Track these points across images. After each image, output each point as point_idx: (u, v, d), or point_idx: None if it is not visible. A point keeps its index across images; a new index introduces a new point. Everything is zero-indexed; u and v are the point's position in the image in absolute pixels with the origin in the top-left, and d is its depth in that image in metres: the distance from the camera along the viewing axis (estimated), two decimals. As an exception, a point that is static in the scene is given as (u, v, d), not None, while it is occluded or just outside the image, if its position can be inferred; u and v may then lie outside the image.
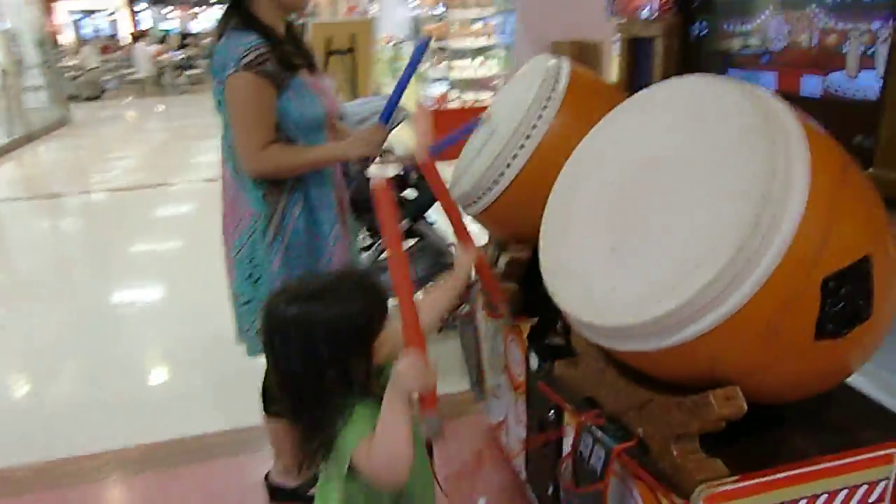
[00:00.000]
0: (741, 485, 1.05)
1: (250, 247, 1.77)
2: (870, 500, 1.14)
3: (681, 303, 0.94)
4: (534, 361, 1.69)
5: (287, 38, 1.74)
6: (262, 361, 1.88)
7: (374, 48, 7.11)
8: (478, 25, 6.64)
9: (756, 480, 1.06)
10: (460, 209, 1.70)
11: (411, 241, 3.05)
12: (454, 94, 6.79)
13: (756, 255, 0.90)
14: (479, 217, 1.84)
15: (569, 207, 1.23)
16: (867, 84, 1.33)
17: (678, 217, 1.00)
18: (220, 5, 1.78)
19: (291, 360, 1.05)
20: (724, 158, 0.97)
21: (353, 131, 1.77)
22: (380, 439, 1.00)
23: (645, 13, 1.87)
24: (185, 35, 20.41)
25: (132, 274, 4.36)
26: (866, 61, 1.34)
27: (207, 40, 10.71)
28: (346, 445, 1.02)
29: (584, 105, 1.62)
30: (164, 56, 15.71)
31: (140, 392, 2.91)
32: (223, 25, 1.69)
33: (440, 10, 6.66)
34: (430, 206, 2.93)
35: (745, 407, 1.02)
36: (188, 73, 15.81)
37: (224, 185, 1.84)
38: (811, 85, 1.46)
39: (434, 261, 3.06)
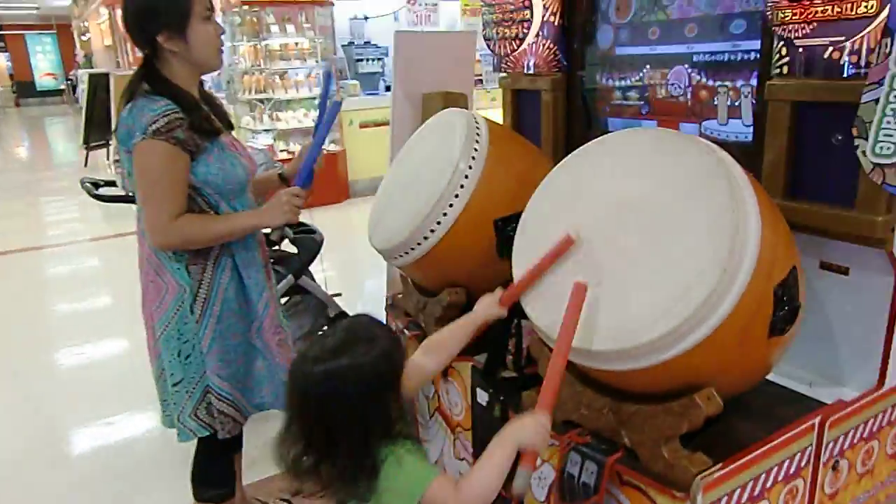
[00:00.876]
0: (725, 470, 1.24)
1: (177, 323, 1.68)
2: (802, 464, 1.40)
3: (679, 321, 1.11)
4: (482, 397, 1.78)
5: (202, 100, 1.69)
6: (190, 446, 1.79)
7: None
8: (300, 76, 6.68)
9: (736, 464, 1.25)
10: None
11: (296, 298, 3.00)
12: (280, 144, 6.73)
13: (734, 274, 1.11)
14: (407, 268, 1.91)
15: (545, 244, 1.35)
16: (736, 130, 1.66)
17: (659, 250, 1.19)
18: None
19: (334, 416, 1.08)
20: (691, 197, 1.18)
21: (277, 195, 1.74)
22: (482, 474, 1.09)
23: (530, 68, 2.10)
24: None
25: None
26: (733, 111, 1.67)
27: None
28: (410, 487, 1.08)
29: (506, 154, 1.79)
30: None
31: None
32: (131, 90, 1.60)
33: (260, 62, 6.60)
34: (312, 261, 2.93)
35: (722, 404, 1.23)
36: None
37: (141, 260, 1.72)
38: (689, 130, 1.77)
39: (317, 316, 3.05)
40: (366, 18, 8.69)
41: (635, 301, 1.18)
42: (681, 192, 1.20)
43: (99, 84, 8.47)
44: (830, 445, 1.44)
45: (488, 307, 1.47)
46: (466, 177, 1.71)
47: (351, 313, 3.14)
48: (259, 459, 2.29)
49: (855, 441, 1.50)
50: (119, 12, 13.84)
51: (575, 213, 1.34)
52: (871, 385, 1.51)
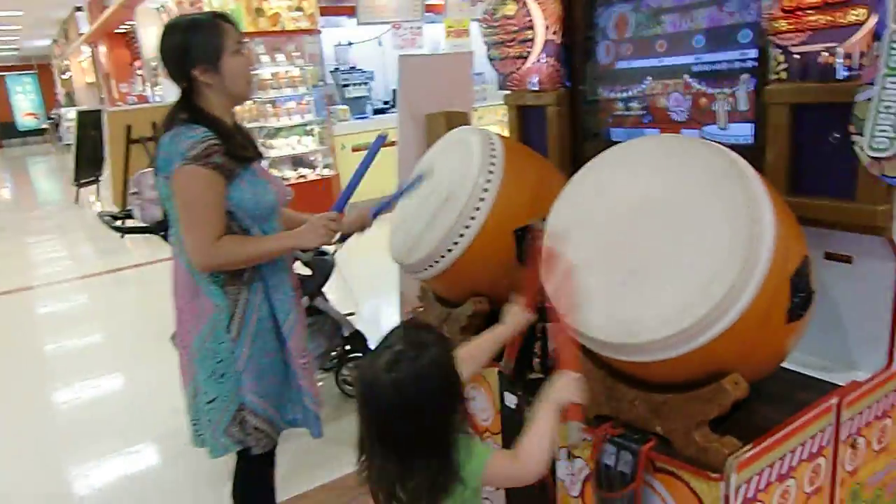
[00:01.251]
0: (755, 450, 1.32)
1: (213, 343, 1.74)
2: (823, 443, 1.49)
3: (706, 311, 1.20)
4: (510, 401, 1.86)
5: (235, 128, 1.78)
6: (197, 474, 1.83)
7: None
8: (291, 104, 6.79)
9: (763, 445, 1.34)
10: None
11: (311, 319, 3.06)
12: (274, 172, 6.81)
13: (753, 265, 1.20)
14: (431, 281, 1.99)
15: (569, 249, 1.44)
16: (736, 133, 1.77)
17: (681, 246, 1.28)
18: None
19: (416, 417, 1.13)
20: (708, 195, 1.28)
21: (310, 218, 1.83)
22: (535, 439, 1.19)
23: (533, 85, 2.21)
24: None
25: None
26: (732, 116, 1.77)
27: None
28: (471, 470, 1.16)
29: (521, 167, 1.89)
30: None
31: None
32: (171, 120, 1.69)
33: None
34: (325, 283, 3.00)
35: (748, 388, 1.31)
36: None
37: (177, 281, 1.79)
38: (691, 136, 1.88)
39: (332, 336, 3.11)
40: (350, 44, 8.86)
41: (662, 295, 1.27)
42: (697, 192, 1.30)
43: (88, 121, 8.55)
44: (848, 424, 1.53)
45: (517, 315, 1.54)
46: (486, 190, 1.80)
47: (364, 331, 3.23)
48: (289, 476, 2.34)
49: (871, 419, 1.59)
50: (102, 49, 13.89)
51: (597, 216, 1.43)
52: (881, 366, 1.61)
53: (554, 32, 2.10)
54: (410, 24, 7.71)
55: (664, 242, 1.31)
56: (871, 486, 1.68)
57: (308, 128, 6.86)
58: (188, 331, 1.77)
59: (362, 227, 1.92)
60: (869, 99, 1.32)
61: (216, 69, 1.67)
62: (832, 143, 1.49)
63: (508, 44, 2.20)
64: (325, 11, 7.05)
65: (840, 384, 1.56)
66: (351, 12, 7.23)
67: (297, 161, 6.97)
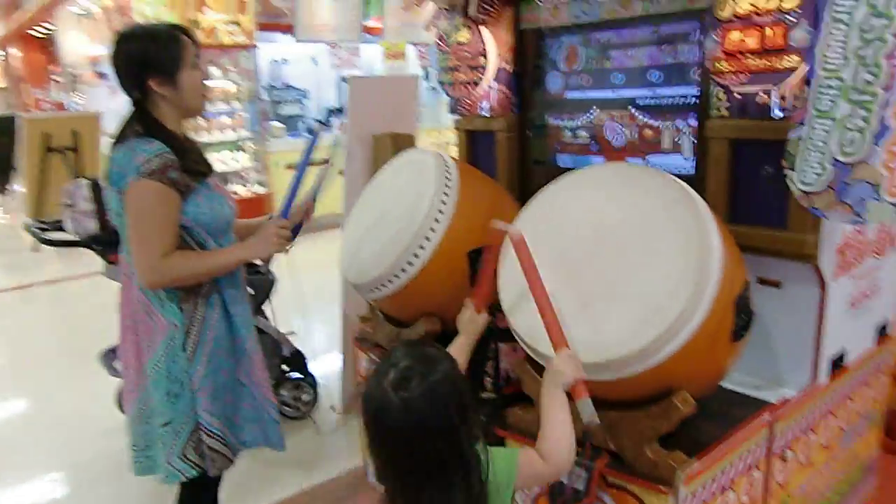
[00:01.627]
0: (700, 464, 1.40)
1: (167, 362, 1.69)
2: (758, 455, 1.59)
3: (660, 332, 1.27)
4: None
5: (188, 142, 1.74)
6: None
7: (99, 145, 6.63)
8: (224, 119, 6.65)
9: (708, 458, 1.42)
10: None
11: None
12: (204, 187, 6.62)
13: (703, 288, 1.28)
14: (381, 301, 1.99)
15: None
16: (677, 164, 1.88)
17: (636, 269, 1.35)
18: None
19: (435, 435, 1.07)
20: (661, 221, 1.35)
21: (261, 226, 1.80)
22: (554, 430, 1.19)
23: (484, 111, 2.27)
24: None
25: None
26: (675, 148, 1.89)
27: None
28: (506, 474, 1.16)
29: (475, 190, 1.93)
30: None
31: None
32: (124, 132, 1.63)
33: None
34: (265, 300, 2.94)
35: (696, 405, 1.39)
36: None
37: (128, 301, 1.72)
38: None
39: (271, 355, 3.04)
40: (284, 61, 8.78)
41: (618, 316, 1.33)
42: (652, 219, 1.38)
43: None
44: (779, 438, 1.64)
45: (471, 322, 1.54)
46: (441, 212, 1.82)
47: (304, 350, 3.18)
48: (230, 501, 2.26)
49: (798, 434, 1.71)
50: (14, 52, 13.11)
51: (553, 241, 1.48)
52: (806, 383, 1.73)
53: (506, 61, 2.17)
54: (348, 44, 7.72)
55: (620, 266, 1.37)
56: (798, 496, 1.79)
57: (241, 143, 6.72)
58: (141, 351, 1.71)
59: (308, 213, 1.91)
60: (800, 137, 1.44)
61: (173, 81, 1.64)
62: (766, 176, 1.61)
63: (461, 69, 2.26)
64: (261, 27, 6.96)
65: (771, 401, 1.67)
66: (288, 29, 7.16)
67: (229, 177, 6.81)
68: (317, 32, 7.14)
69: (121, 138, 1.63)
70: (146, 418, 1.74)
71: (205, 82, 1.73)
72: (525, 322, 1.48)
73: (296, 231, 1.97)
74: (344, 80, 9.56)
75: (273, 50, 8.36)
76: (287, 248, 1.80)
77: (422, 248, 1.81)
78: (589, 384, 1.41)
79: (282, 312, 3.17)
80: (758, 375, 1.77)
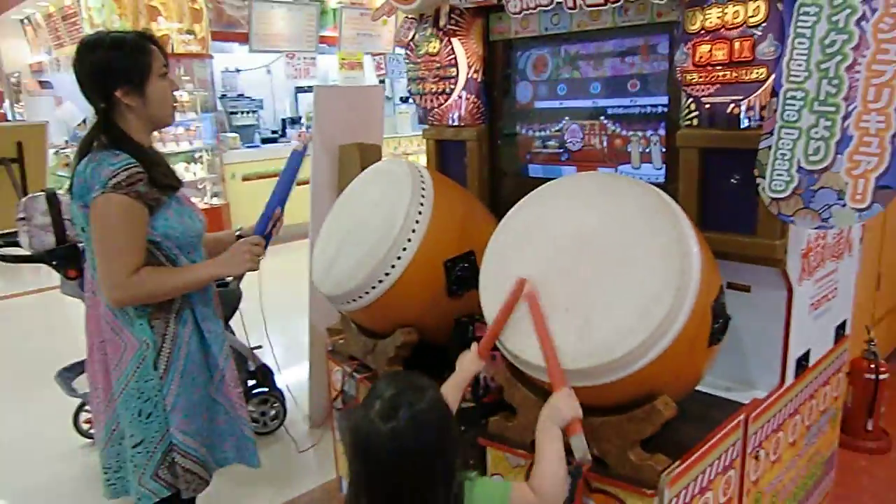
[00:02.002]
0: (683, 465, 1.42)
1: (138, 381, 1.63)
2: (734, 456, 1.63)
3: (645, 337, 1.29)
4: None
5: (155, 155, 1.69)
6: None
7: (46, 156, 6.39)
8: (179, 129, 6.49)
9: (690, 460, 1.44)
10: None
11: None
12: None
13: (684, 293, 1.31)
14: (356, 312, 1.96)
15: (508, 279, 1.49)
16: (647, 172, 1.92)
17: (618, 276, 1.36)
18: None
19: (420, 466, 1.08)
20: (640, 228, 1.38)
21: (237, 243, 1.76)
22: (551, 469, 1.20)
23: (453, 120, 2.28)
24: None
25: None
26: (645, 157, 1.93)
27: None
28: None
29: (449, 199, 1.93)
30: None
31: None
32: (88, 144, 1.57)
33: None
34: (231, 315, 2.87)
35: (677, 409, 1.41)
36: None
37: (95, 316, 1.66)
38: (605, 174, 2.01)
39: (238, 369, 2.97)
40: (238, 71, 8.64)
41: (603, 323, 1.35)
42: (631, 225, 1.40)
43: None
44: (752, 438, 1.68)
45: (471, 363, 1.54)
46: (417, 221, 1.82)
47: (270, 363, 3.12)
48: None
49: (769, 432, 1.76)
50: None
51: (535, 249, 1.49)
52: (775, 385, 1.78)
53: (475, 71, 2.18)
54: (304, 54, 7.65)
55: (602, 274, 1.39)
56: (768, 493, 1.84)
57: (197, 155, 6.57)
58: (111, 369, 1.65)
59: (276, 223, 1.88)
60: (769, 147, 1.49)
61: (140, 91, 1.59)
62: (735, 184, 1.66)
63: (431, 80, 2.26)
64: (216, 37, 6.84)
65: (744, 402, 1.72)
66: (243, 39, 7.06)
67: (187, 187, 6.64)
68: (272, 42, 7.07)
69: (85, 150, 1.58)
70: (118, 439, 1.68)
71: (174, 93, 1.68)
72: (511, 333, 1.48)
73: (265, 242, 1.96)
74: (299, 89, 9.53)
75: (225, 60, 8.22)
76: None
77: (398, 258, 1.80)
78: (578, 390, 1.43)
79: (248, 325, 3.11)
80: (728, 377, 1.82)
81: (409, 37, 2.26)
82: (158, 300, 1.64)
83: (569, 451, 1.33)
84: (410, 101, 9.15)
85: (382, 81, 8.71)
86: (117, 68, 1.56)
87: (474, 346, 1.56)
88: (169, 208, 1.63)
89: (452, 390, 1.48)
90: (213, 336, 1.74)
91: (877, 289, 3.26)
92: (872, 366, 2.77)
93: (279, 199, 1.85)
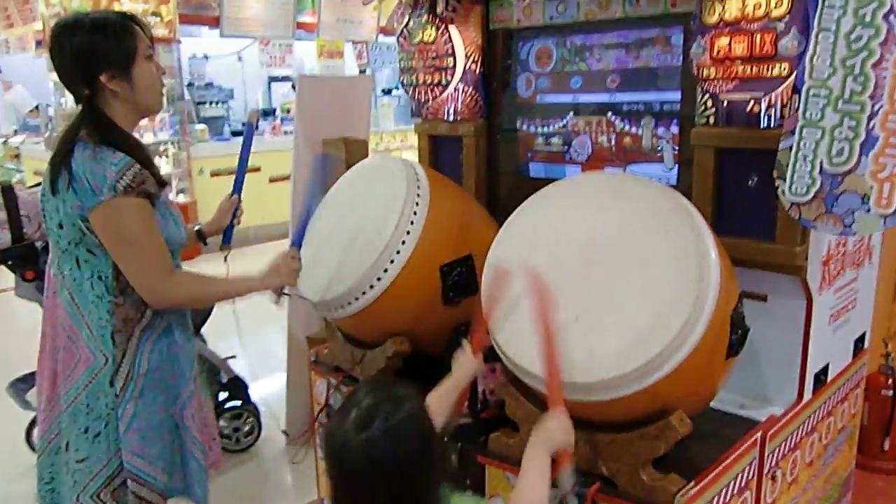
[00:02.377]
0: (698, 487, 1.44)
1: (88, 397, 1.63)
2: (750, 476, 1.64)
3: (661, 347, 1.30)
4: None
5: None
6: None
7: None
8: (143, 120, 6.41)
9: (704, 481, 1.46)
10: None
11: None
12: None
13: (703, 300, 1.32)
14: (344, 320, 1.96)
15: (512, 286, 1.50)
16: (658, 173, 1.94)
17: (631, 283, 1.38)
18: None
19: (396, 478, 1.09)
20: (656, 232, 1.39)
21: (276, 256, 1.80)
22: (531, 485, 1.18)
23: (449, 115, 2.29)
24: None
25: None
26: (656, 156, 1.95)
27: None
28: None
29: (446, 199, 1.93)
30: None
31: None
32: (73, 135, 1.56)
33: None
34: (203, 322, 2.85)
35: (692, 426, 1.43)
36: None
37: (51, 323, 1.65)
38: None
39: (209, 383, 2.95)
40: (206, 57, 8.59)
41: (615, 333, 1.36)
42: (645, 229, 1.42)
43: None
44: (769, 458, 1.70)
45: (465, 364, 1.53)
46: (412, 223, 1.82)
47: (244, 376, 3.10)
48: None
49: (786, 452, 1.78)
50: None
51: (541, 254, 1.51)
52: (792, 401, 1.81)
53: (474, 61, 2.19)
54: (280, 40, 7.62)
55: (615, 280, 1.41)
56: (785, 517, 1.86)
57: (161, 148, 6.51)
58: (57, 378, 1.65)
59: (236, 212, 2.00)
60: (790, 147, 1.52)
61: (127, 76, 1.58)
62: (753, 186, 1.68)
63: (425, 70, 2.27)
64: (184, 20, 6.79)
65: (759, 420, 1.74)
66: (213, 23, 7.01)
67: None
68: (246, 27, 7.03)
69: (69, 142, 1.56)
70: (54, 451, 1.70)
71: (161, 77, 1.68)
72: (510, 338, 1.49)
73: (228, 235, 2.00)
74: (273, 79, 9.50)
75: (194, 45, 8.17)
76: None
77: (391, 261, 1.80)
78: (579, 405, 1.44)
79: (221, 334, 3.09)
80: (742, 393, 1.84)
81: (403, 23, 2.26)
82: (196, 306, 1.76)
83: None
84: (393, 93, 9.36)
85: (363, 71, 8.71)
86: (101, 52, 1.56)
87: (466, 343, 1.55)
88: (157, 210, 1.63)
89: (447, 394, 1.47)
90: (182, 351, 1.73)
91: (894, 300, 3.32)
92: (890, 381, 2.81)
93: (237, 186, 1.88)
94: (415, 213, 1.83)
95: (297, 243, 1.84)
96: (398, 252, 1.80)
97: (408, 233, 1.81)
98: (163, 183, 1.66)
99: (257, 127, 2.08)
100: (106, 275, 1.60)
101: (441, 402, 1.44)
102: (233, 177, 2.02)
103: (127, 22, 1.60)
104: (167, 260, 1.63)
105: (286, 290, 1.82)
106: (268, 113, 8.82)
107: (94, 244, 1.57)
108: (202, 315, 2.83)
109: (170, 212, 1.69)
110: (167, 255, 1.63)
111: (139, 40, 1.60)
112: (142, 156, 1.60)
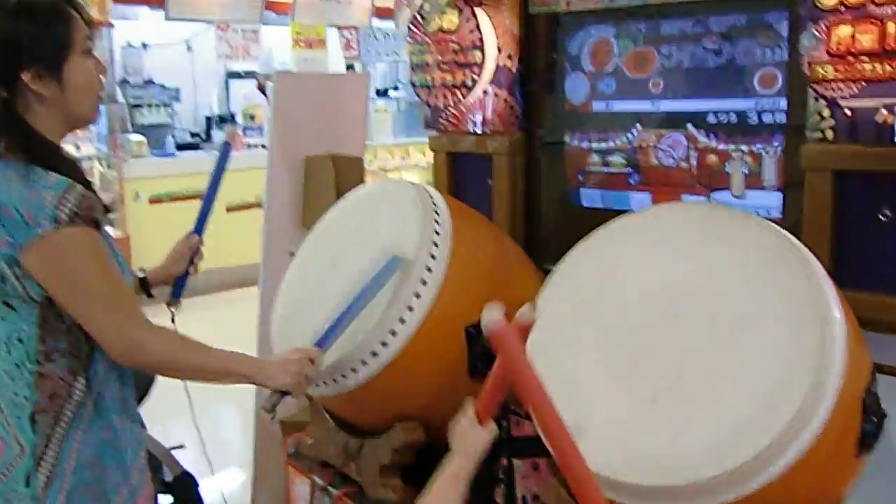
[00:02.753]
0: None
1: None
2: None
3: (768, 440, 1.30)
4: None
5: None
6: None
7: None
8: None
9: None
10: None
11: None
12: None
13: (824, 378, 1.33)
14: (334, 399, 1.96)
15: (567, 356, 1.51)
16: (755, 203, 1.96)
17: (726, 352, 1.39)
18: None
19: None
20: (762, 284, 1.40)
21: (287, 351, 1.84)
22: None
23: (475, 125, 2.32)
24: None
25: None
26: (752, 181, 1.97)
27: None
28: None
29: (473, 237, 1.96)
30: None
31: None
32: None
33: None
34: (143, 399, 2.86)
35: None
36: None
37: None
38: (694, 205, 2.06)
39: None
40: (144, 46, 8.75)
41: (706, 420, 1.36)
42: (744, 280, 1.43)
43: None
44: None
45: (470, 436, 1.44)
46: (429, 269, 1.84)
47: (195, 472, 3.10)
48: None
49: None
50: None
51: (606, 313, 1.52)
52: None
53: (509, 56, 2.24)
54: (242, 25, 7.77)
55: (705, 348, 1.41)
56: None
57: (85, 165, 6.61)
58: None
59: (195, 256, 2.05)
60: (937, 171, 1.53)
61: (57, 75, 1.62)
62: (886, 222, 1.69)
63: (445, 67, 2.31)
64: (118, -1, 6.98)
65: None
66: (156, 1, 7.18)
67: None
68: (199, 8, 7.19)
69: None
70: None
71: (101, 77, 1.72)
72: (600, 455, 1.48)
73: (179, 287, 2.05)
74: (233, 75, 9.65)
75: (130, 30, 8.33)
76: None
77: (401, 321, 1.82)
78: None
79: (166, 415, 3.10)
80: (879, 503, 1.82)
81: (416, 6, 2.32)
82: (167, 374, 1.73)
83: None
84: (391, 94, 9.48)
85: (351, 66, 8.84)
86: (24, 43, 1.59)
87: (469, 407, 1.50)
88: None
89: (448, 484, 1.37)
90: (127, 437, 1.73)
91: None
92: None
93: (200, 223, 1.97)
94: (433, 257, 1.85)
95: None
96: (410, 308, 1.82)
97: (423, 283, 1.83)
98: (107, 209, 1.69)
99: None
100: (28, 336, 1.61)
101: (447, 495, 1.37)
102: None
103: (61, 5, 1.64)
104: (135, 303, 1.65)
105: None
106: (224, 120, 8.95)
107: (15, 294, 1.59)
108: (141, 388, 2.84)
109: (113, 250, 1.71)
110: (134, 297, 1.66)
111: (76, 30, 1.64)
112: (81, 177, 1.63)
